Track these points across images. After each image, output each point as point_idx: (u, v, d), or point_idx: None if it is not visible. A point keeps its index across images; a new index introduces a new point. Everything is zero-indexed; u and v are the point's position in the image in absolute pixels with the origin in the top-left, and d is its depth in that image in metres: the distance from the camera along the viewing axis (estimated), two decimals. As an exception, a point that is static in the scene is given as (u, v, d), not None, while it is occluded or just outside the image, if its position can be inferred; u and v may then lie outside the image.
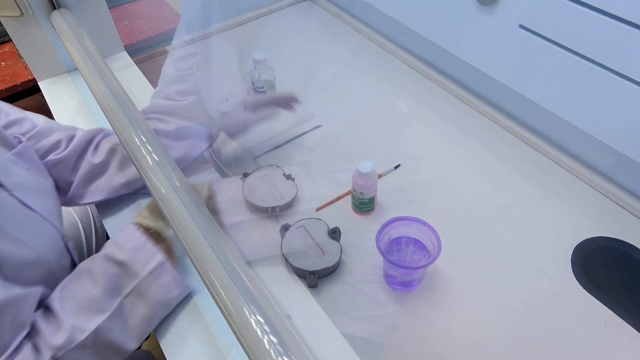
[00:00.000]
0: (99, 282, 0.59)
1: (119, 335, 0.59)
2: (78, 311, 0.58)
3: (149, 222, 0.68)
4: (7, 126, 0.70)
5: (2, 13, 0.94)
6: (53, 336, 0.56)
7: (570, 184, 0.87)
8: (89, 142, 0.77)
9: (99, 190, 0.76)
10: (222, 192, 0.78)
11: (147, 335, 0.63)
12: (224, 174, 0.89)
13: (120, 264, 0.62)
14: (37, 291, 0.58)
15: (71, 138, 0.76)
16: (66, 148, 0.75)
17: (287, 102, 0.88)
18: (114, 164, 0.77)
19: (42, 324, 0.57)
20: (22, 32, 0.99)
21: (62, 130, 0.76)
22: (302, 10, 1.36)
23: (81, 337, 0.57)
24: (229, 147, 0.97)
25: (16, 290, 0.55)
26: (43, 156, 0.73)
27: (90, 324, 0.57)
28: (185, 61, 0.84)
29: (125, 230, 0.66)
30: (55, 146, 0.74)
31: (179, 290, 0.66)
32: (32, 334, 0.56)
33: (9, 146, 0.65)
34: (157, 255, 0.64)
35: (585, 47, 0.73)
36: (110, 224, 0.79)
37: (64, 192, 0.76)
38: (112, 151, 0.77)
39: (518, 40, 0.82)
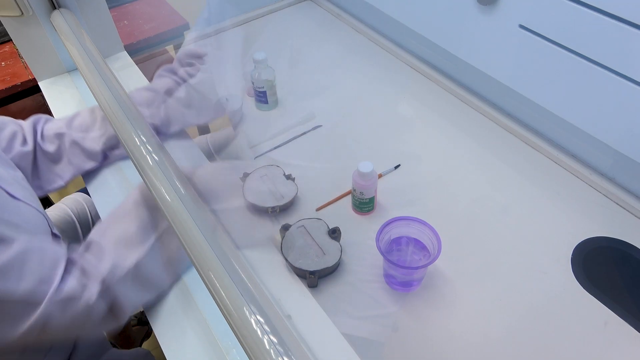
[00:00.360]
0: (134, 221, 0.63)
1: (156, 270, 0.63)
2: (118, 245, 0.62)
3: None
4: None
5: (2, 13, 0.94)
6: (97, 268, 0.59)
7: (570, 184, 0.87)
8: (35, 131, 0.80)
9: (64, 174, 0.81)
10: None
11: (179, 274, 0.66)
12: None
13: (150, 207, 0.65)
14: (61, 242, 0.62)
15: (22, 129, 0.79)
16: (24, 139, 0.78)
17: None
18: (66, 146, 0.81)
19: (86, 258, 0.60)
20: (22, 32, 0.99)
21: (11, 123, 0.79)
22: (302, 10, 1.36)
23: (123, 269, 0.60)
24: (228, 140, 0.97)
25: (37, 238, 0.58)
26: (7, 147, 0.75)
27: (131, 257, 0.61)
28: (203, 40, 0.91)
29: None
30: (13, 138, 0.77)
31: None
32: (76, 267, 0.59)
33: None
34: None
35: (585, 47, 0.73)
36: (95, 191, 0.82)
37: (31, 183, 0.78)
38: (59, 136, 0.80)
39: (518, 40, 0.82)
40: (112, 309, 0.61)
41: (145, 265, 0.61)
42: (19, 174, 0.71)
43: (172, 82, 0.87)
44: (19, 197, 0.64)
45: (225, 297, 0.45)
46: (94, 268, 0.59)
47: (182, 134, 0.93)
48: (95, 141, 0.81)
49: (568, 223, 0.80)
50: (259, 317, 0.43)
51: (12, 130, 0.77)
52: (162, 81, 0.87)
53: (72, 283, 0.57)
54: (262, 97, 1.02)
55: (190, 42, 0.92)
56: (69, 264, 0.59)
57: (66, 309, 0.56)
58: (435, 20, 0.99)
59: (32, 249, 0.56)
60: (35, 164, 0.79)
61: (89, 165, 0.82)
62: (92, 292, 0.58)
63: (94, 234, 0.64)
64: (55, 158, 0.80)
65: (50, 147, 0.79)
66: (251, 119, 1.04)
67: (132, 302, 0.62)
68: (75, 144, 0.81)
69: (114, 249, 0.61)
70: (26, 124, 0.80)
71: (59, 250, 0.59)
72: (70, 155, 0.81)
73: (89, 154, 0.81)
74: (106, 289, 0.58)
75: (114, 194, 0.81)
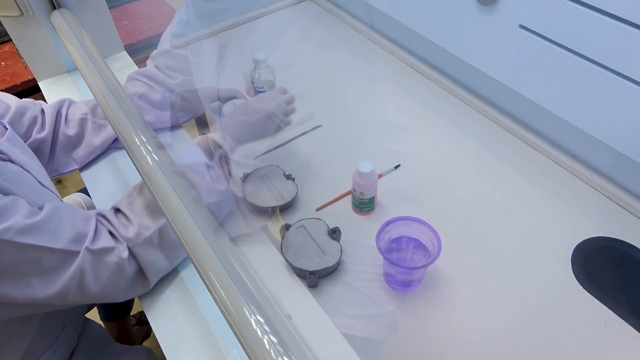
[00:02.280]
0: None
1: (176, 238, 0.67)
2: (144, 213, 0.66)
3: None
4: None
5: (2, 13, 0.94)
6: (124, 230, 0.64)
7: (570, 184, 0.87)
8: (59, 114, 0.83)
9: (79, 157, 0.85)
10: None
11: None
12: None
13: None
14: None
15: (42, 112, 0.82)
16: (43, 124, 0.81)
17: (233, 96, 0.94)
18: (88, 131, 0.85)
19: (114, 220, 0.65)
20: (22, 32, 0.99)
21: (32, 106, 0.81)
22: (302, 10, 1.36)
23: (148, 233, 0.64)
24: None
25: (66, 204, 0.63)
26: (26, 133, 0.78)
27: (155, 223, 0.65)
28: (180, 41, 0.92)
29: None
30: (33, 122, 0.80)
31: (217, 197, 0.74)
32: (107, 225, 0.65)
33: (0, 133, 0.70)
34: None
35: (585, 47, 0.73)
36: (88, 176, 0.88)
37: (46, 165, 0.82)
38: (82, 121, 0.85)
39: (518, 40, 0.82)
40: (140, 271, 0.65)
41: (169, 231, 0.65)
42: (37, 162, 0.74)
43: (145, 87, 0.89)
44: (47, 185, 0.68)
45: (225, 297, 0.45)
46: (121, 231, 0.64)
47: (182, 134, 0.94)
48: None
49: (568, 223, 0.80)
50: (259, 317, 0.43)
51: (33, 115, 0.80)
52: (134, 85, 0.89)
53: (105, 238, 0.62)
54: (262, 97, 1.02)
55: (166, 42, 0.92)
56: (99, 222, 0.64)
57: (102, 260, 0.60)
58: (435, 20, 0.99)
59: (63, 208, 0.60)
60: (52, 148, 0.82)
61: (103, 149, 0.88)
62: (123, 248, 0.63)
63: (121, 203, 0.68)
64: (74, 142, 0.84)
65: (72, 131, 0.83)
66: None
67: (155, 266, 0.67)
68: (96, 130, 0.85)
69: (140, 216, 0.66)
70: (49, 109, 0.83)
71: (88, 211, 0.64)
72: (89, 141, 0.85)
73: (104, 140, 0.86)
74: (132, 250, 0.64)
75: (107, 182, 0.86)
